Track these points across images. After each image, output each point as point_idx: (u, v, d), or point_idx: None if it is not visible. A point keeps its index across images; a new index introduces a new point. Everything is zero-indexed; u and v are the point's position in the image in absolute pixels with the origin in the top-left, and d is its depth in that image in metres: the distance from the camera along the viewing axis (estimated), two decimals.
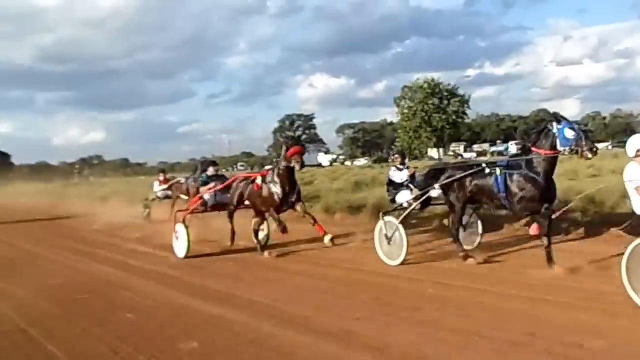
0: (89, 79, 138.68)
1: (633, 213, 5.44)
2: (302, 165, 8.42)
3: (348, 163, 56.95)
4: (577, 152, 6.48)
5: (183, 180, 14.26)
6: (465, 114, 50.20)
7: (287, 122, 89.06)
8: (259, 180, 8.86)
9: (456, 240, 7.60)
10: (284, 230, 8.51)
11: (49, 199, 28.14)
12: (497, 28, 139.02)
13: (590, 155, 6.46)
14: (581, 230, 8.63)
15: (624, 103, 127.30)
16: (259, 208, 9.07)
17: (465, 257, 7.38)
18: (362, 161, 68.68)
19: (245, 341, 4.89)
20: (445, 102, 47.20)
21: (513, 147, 67.34)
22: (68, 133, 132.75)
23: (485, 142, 79.27)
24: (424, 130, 53.04)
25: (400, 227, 7.72)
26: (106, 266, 9.28)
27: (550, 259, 6.56)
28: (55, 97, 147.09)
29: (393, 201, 9.18)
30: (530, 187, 6.70)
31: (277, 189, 8.51)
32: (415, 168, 9.66)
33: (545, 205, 6.65)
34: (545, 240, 6.63)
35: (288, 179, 8.46)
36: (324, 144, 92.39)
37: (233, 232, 9.71)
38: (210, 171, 10.54)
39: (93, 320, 5.85)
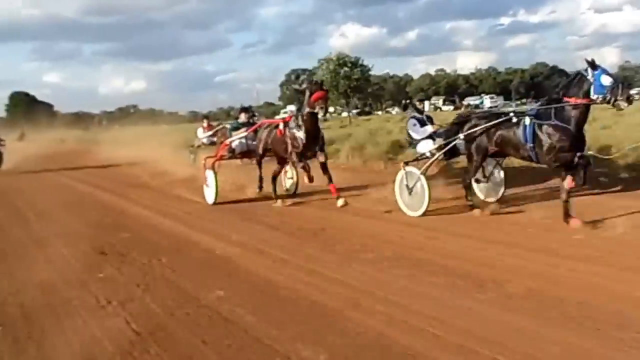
0: (131, 31, 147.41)
1: None
2: (326, 111, 8.26)
3: (345, 114, 62.17)
4: (609, 101, 6.14)
5: (228, 126, 14.28)
6: (368, 80, 58.91)
7: (293, 76, 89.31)
8: (281, 126, 8.72)
9: (467, 189, 7.47)
10: (310, 179, 8.39)
11: (86, 145, 30.43)
12: None
13: (625, 105, 6.14)
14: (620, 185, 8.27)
15: None
16: (282, 154, 8.93)
17: (471, 208, 7.30)
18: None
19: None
20: (350, 70, 57.45)
21: (487, 101, 69.41)
22: (112, 83, 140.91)
23: (482, 94, 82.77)
24: (332, 93, 60.77)
25: (422, 177, 7.55)
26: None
27: (567, 213, 6.32)
28: (100, 48, 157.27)
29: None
30: (560, 137, 6.37)
31: (300, 134, 8.33)
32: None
33: (578, 154, 6.31)
34: (564, 193, 6.39)
35: (312, 124, 8.26)
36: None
37: (261, 179, 9.63)
38: (242, 118, 10.68)
39: None
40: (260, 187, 9.65)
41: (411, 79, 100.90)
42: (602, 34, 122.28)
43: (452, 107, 70.39)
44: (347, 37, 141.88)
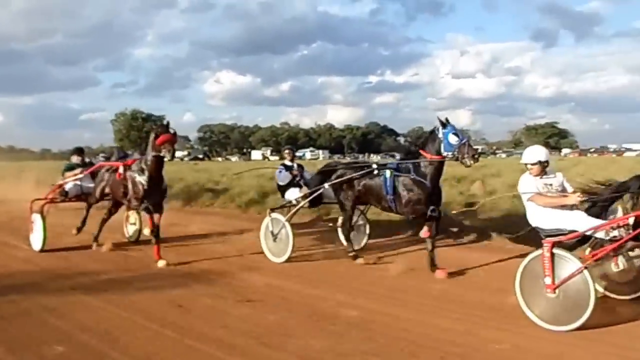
0: None
1: (527, 223, 5.26)
2: (173, 155, 7.57)
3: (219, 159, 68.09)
4: (458, 159, 6.63)
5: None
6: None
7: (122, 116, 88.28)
8: (121, 169, 8.00)
9: (347, 239, 7.65)
10: (152, 230, 7.66)
11: None
12: (399, 38, 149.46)
13: (470, 162, 6.54)
14: (472, 236, 8.86)
15: (512, 116, 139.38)
16: (120, 199, 8.27)
17: (355, 257, 7.43)
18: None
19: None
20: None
21: (308, 154, 76.97)
22: None
23: (319, 147, 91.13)
24: (125, 142, 73.53)
25: (287, 224, 7.62)
26: None
27: (433, 263, 6.70)
28: None
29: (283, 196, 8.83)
30: (417, 190, 6.82)
31: (142, 179, 7.66)
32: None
33: (432, 208, 6.81)
34: (429, 244, 6.79)
35: (156, 169, 7.62)
36: (189, 140, 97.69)
37: (83, 223, 8.93)
38: (74, 159, 9.62)
39: None
40: (79, 230, 8.95)
41: (257, 129, 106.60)
42: (458, 97, 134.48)
43: (277, 157, 74.16)
44: (222, 83, 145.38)
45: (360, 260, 7.33)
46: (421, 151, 6.93)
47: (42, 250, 8.41)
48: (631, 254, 4.99)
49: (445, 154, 6.71)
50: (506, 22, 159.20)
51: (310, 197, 7.91)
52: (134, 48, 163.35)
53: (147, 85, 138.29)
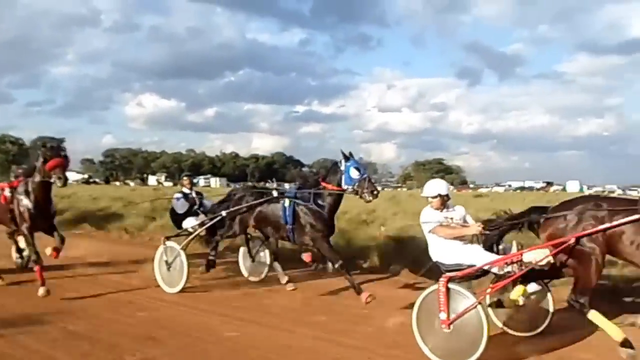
0: None
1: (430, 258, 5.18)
2: (65, 181, 6.89)
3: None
4: (357, 192, 6.61)
5: None
6: (26, 154, 65.51)
7: (39, 143, 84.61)
8: (7, 192, 7.28)
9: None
10: (36, 261, 7.00)
11: None
12: (327, 69, 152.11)
13: (369, 198, 6.55)
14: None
15: (436, 150, 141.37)
16: (8, 224, 7.58)
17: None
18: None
19: None
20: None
21: (202, 181, 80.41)
22: None
23: (223, 176, 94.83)
24: None
25: (182, 253, 7.29)
26: None
27: (355, 288, 6.41)
28: None
29: (179, 227, 8.36)
30: (315, 219, 6.75)
31: (27, 203, 7.05)
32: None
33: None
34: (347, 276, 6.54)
35: (43, 194, 7.05)
36: (93, 163, 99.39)
37: None
38: None
39: None
40: None
41: (160, 155, 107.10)
42: (384, 130, 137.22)
43: (171, 184, 75.48)
44: (145, 106, 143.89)
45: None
46: (322, 182, 6.88)
47: None
48: (530, 290, 5.08)
49: (345, 187, 6.70)
50: (433, 58, 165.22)
51: (208, 225, 7.64)
52: (52, 66, 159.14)
53: (64, 104, 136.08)
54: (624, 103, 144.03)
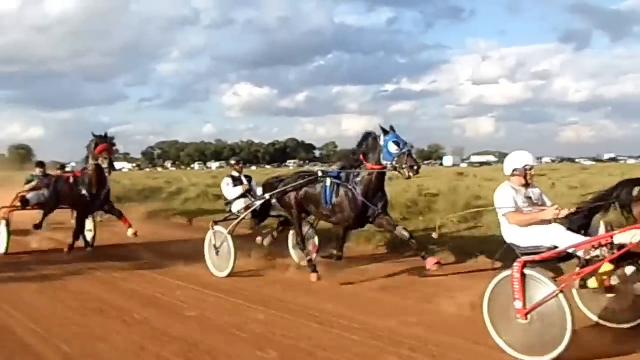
0: (33, 80, 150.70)
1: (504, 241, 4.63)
2: (111, 163, 8.07)
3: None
4: (396, 169, 6.16)
5: None
6: None
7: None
8: (71, 180, 8.62)
9: (303, 249, 7.04)
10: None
11: None
12: (416, 46, 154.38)
13: (409, 174, 6.10)
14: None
15: (539, 123, 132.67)
16: (72, 207, 9.01)
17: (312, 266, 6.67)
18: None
19: None
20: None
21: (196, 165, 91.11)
22: (9, 129, 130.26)
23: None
24: None
25: (229, 237, 7.07)
26: None
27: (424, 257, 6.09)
28: (1, 95, 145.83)
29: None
30: (347, 204, 6.38)
31: (84, 188, 8.27)
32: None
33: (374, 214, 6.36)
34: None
35: (97, 177, 8.18)
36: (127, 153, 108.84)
37: (39, 225, 9.56)
38: (37, 171, 10.43)
39: None
40: (37, 227, 9.58)
41: (185, 146, 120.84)
42: (479, 104, 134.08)
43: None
44: (240, 95, 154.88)
45: (313, 277, 6.55)
46: (362, 159, 6.45)
47: (6, 253, 8.97)
48: (628, 274, 4.43)
49: (384, 163, 6.24)
50: (532, 24, 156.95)
51: (252, 209, 7.47)
52: (159, 64, 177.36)
53: (170, 98, 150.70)
54: None
